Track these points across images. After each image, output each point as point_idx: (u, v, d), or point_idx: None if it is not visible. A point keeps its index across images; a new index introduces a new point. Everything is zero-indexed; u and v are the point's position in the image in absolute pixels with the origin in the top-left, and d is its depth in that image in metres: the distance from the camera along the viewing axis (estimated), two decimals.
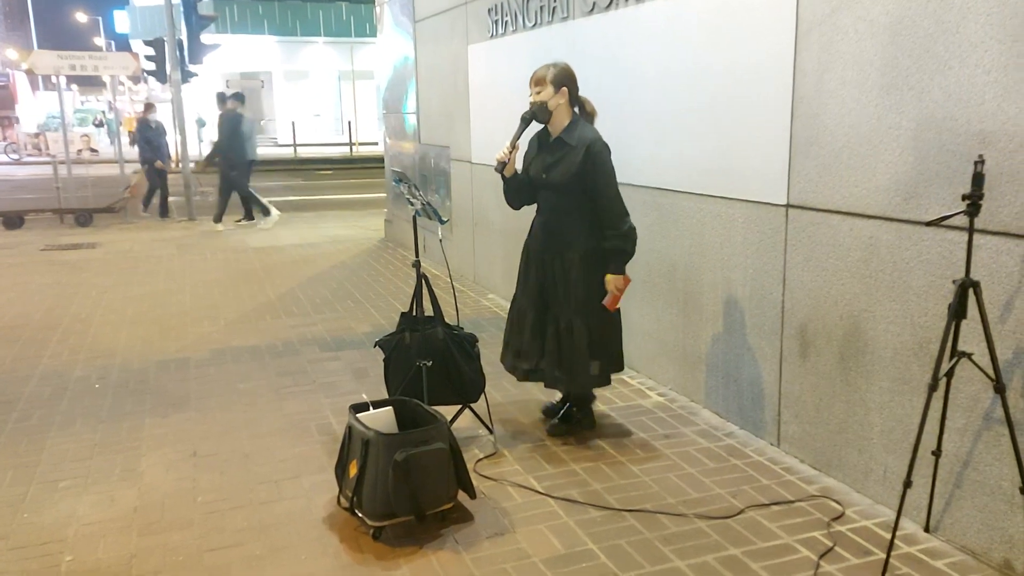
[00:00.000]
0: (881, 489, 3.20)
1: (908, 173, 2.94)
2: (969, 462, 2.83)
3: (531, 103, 3.67)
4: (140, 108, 12.60)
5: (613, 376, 3.92)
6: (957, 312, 2.57)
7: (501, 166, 3.70)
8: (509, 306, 4.03)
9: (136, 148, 12.93)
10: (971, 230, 2.54)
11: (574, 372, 3.77)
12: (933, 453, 2.83)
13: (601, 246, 3.68)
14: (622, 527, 3.10)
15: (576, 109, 3.74)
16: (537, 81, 3.66)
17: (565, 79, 3.66)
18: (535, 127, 3.77)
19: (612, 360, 3.87)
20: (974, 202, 2.48)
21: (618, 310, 3.84)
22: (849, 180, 3.20)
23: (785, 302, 3.62)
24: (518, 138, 3.69)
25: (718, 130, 3.92)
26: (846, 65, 3.15)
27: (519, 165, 3.83)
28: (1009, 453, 2.67)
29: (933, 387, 2.59)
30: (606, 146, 3.65)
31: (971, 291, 2.55)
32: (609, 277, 3.67)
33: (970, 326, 2.67)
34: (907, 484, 2.67)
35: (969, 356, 2.62)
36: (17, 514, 3.27)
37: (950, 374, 2.69)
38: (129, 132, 21.91)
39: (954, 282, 2.57)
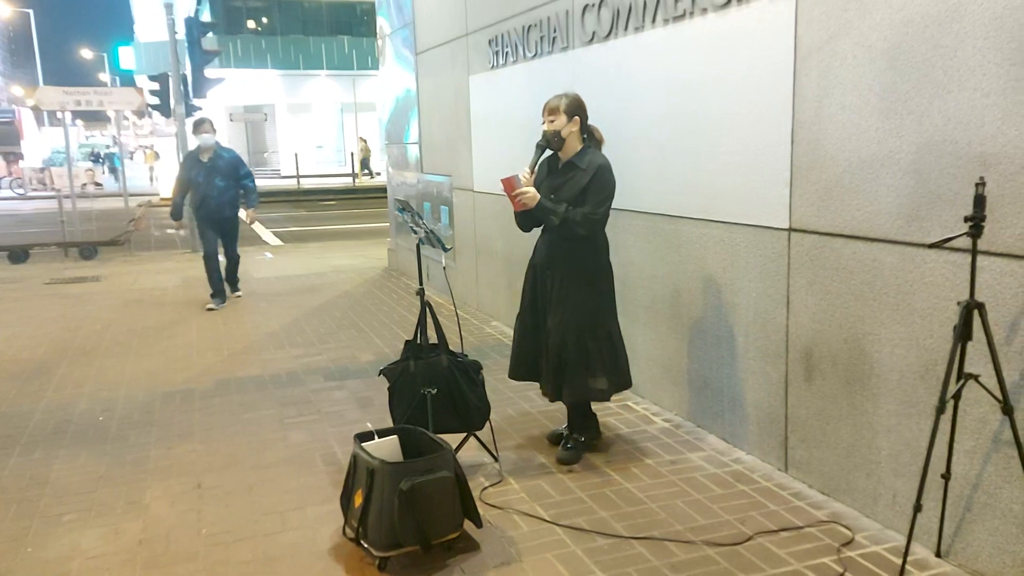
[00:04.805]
0: (891, 513, 3.18)
1: (910, 196, 2.95)
2: (979, 485, 2.81)
3: (544, 131, 3.81)
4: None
5: (617, 397, 3.92)
6: (963, 334, 2.57)
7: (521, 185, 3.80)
8: (515, 321, 4.12)
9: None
10: (974, 252, 2.54)
11: (572, 383, 3.86)
12: (942, 476, 2.81)
13: (589, 262, 3.83)
14: (630, 555, 3.07)
15: (585, 136, 3.89)
16: (551, 111, 3.81)
17: (577, 108, 3.82)
18: (549, 153, 3.92)
19: (615, 375, 3.92)
20: (976, 224, 2.49)
21: (618, 327, 3.93)
22: (851, 204, 3.21)
23: (789, 326, 3.61)
24: (535, 164, 3.85)
25: (719, 156, 3.94)
26: (846, 90, 3.18)
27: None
28: (1019, 475, 2.65)
29: (941, 409, 2.58)
30: (612, 172, 3.80)
31: (976, 313, 2.55)
32: (531, 191, 3.71)
33: (976, 348, 2.67)
34: (917, 508, 2.65)
35: (976, 378, 2.61)
36: (20, 548, 3.25)
37: (957, 396, 2.68)
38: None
39: (959, 304, 2.58)
